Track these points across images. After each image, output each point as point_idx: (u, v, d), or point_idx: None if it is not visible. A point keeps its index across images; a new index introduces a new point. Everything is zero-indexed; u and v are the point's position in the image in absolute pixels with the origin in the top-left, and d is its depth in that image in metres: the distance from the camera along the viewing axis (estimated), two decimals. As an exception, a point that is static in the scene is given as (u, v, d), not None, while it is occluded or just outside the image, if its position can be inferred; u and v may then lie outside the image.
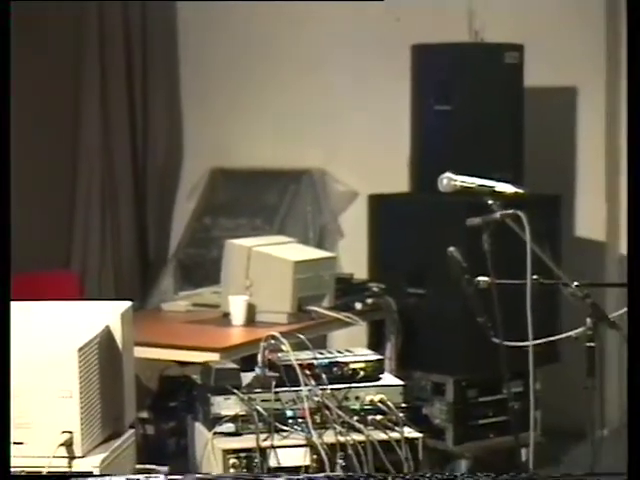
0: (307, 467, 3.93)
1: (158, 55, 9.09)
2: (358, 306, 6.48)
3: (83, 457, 3.67)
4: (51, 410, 3.66)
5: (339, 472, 3.92)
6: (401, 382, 4.22)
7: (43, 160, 8.28)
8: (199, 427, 4.16)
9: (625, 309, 5.03)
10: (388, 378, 4.25)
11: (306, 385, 4.05)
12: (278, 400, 4.04)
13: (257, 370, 4.13)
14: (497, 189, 5.13)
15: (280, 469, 3.94)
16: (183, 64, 9.21)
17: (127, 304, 4.10)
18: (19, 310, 4.02)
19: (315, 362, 4.14)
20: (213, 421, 4.02)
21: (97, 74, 8.61)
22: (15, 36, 7.86)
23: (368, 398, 4.11)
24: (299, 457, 3.94)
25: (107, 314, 3.98)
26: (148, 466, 4.08)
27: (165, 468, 4.11)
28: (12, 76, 7.85)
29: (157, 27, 9.07)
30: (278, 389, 4.06)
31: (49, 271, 7.82)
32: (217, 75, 9.00)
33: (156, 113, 9.05)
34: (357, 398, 4.10)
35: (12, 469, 3.63)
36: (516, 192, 5.20)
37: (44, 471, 3.64)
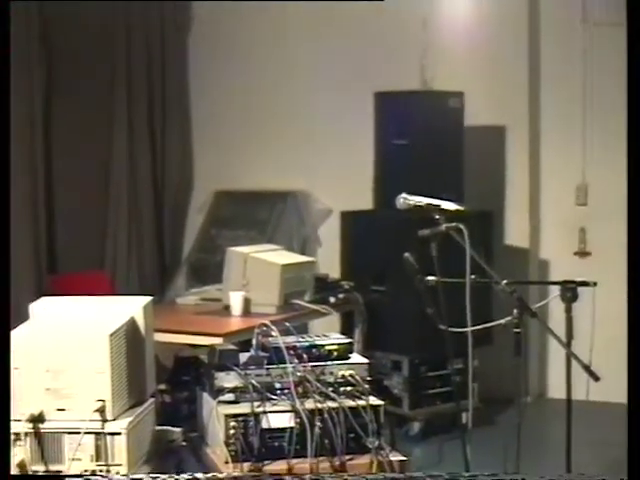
0: (292, 428, 3.93)
1: (174, 99, 9.08)
2: (332, 300, 6.49)
3: (114, 420, 3.68)
4: (88, 383, 3.67)
5: (317, 432, 3.91)
6: (366, 360, 4.23)
7: (83, 182, 8.27)
8: (206, 397, 4.17)
9: (544, 301, 5.07)
10: (356, 357, 4.26)
11: (291, 363, 4.05)
12: (268, 375, 4.05)
13: (252, 351, 4.13)
14: (442, 207, 5.16)
15: (270, 430, 3.93)
16: (194, 107, 9.20)
17: (148, 299, 4.12)
18: (63, 303, 4.04)
19: (298, 344, 4.15)
20: (217, 392, 4.03)
21: (125, 110, 8.61)
22: (60, 73, 7.92)
23: (340, 373, 4.12)
24: (285, 420, 3.95)
25: (132, 307, 4.00)
26: (165, 428, 4.09)
27: (179, 429, 4.13)
28: (58, 109, 7.88)
29: (172, 78, 9.06)
30: (269, 366, 4.06)
31: (87, 272, 7.81)
32: (221, 115, 9.00)
33: (172, 146, 9.05)
34: (331, 373, 4.11)
35: (56, 431, 3.64)
36: (457, 209, 5.24)
37: (82, 431, 3.64)
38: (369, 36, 8.24)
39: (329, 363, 4.16)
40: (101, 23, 8.33)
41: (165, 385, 4.33)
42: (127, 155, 8.60)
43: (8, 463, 3.06)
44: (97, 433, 3.65)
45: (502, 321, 5.08)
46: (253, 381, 4.02)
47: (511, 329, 5.00)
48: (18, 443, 3.64)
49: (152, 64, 8.80)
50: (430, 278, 5.37)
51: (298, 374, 4.04)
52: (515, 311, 4.99)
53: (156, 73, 8.86)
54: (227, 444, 3.89)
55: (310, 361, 4.11)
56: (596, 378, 5.02)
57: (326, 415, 3.96)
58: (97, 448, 3.65)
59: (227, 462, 3.88)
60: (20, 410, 3.68)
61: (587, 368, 5.06)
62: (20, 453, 3.64)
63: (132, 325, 3.91)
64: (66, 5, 7.84)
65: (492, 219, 7.70)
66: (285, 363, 4.06)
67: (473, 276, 5.04)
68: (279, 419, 3.96)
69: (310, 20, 8.58)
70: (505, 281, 5.11)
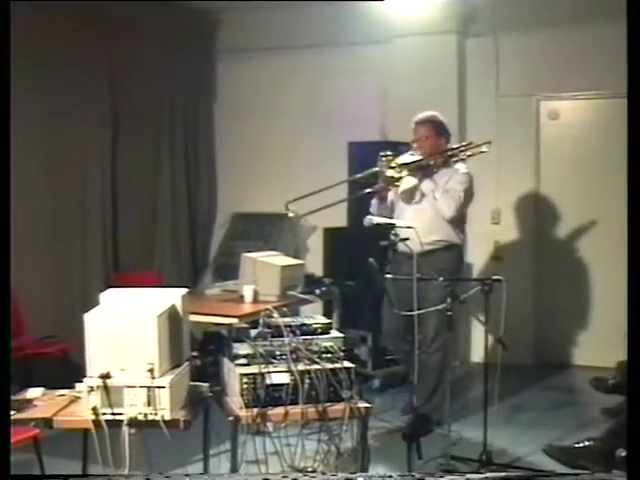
0: (288, 384, 3.92)
1: (203, 147, 9.09)
2: (317, 292, 6.47)
3: (160, 377, 3.66)
4: (141, 351, 3.64)
5: (306, 387, 3.90)
6: (341, 335, 4.22)
7: (138, 202, 8.26)
8: (226, 361, 4.15)
9: (469, 293, 5.09)
10: (334, 333, 4.24)
11: (287, 337, 4.04)
12: (271, 345, 4.02)
13: (259, 328, 4.11)
14: (396, 224, 5.19)
15: (272, 385, 3.91)
16: (218, 153, 9.22)
17: (185, 290, 4.09)
18: (124, 292, 4.02)
19: (292, 323, 4.13)
20: (234, 357, 4.01)
21: (168, 150, 8.60)
22: (123, 116, 7.90)
23: (323, 344, 4.10)
24: (283, 378, 3.92)
25: (173, 296, 3.98)
26: (197, 383, 4.08)
27: (206, 384, 4.11)
28: (121, 146, 7.86)
29: (202, 132, 9.07)
30: (271, 339, 4.05)
31: (141, 271, 7.80)
32: (236, 158, 9.02)
33: (202, 181, 9.06)
34: (317, 344, 4.09)
35: (119, 384, 3.63)
36: (408, 226, 5.26)
37: (137, 385, 3.63)
38: (344, 99, 8.25)
39: (315, 337, 4.14)
40: (153, 86, 8.33)
41: (197, 352, 4.29)
42: (170, 187, 8.60)
43: (8, 463, 2.75)
44: (148, 387, 3.63)
45: (439, 307, 5.11)
46: (260, 349, 4.00)
47: (445, 312, 5.03)
48: (92, 394, 3.63)
49: (187, 121, 8.81)
50: (387, 276, 5.40)
51: (292, 345, 4.03)
52: (448, 299, 5.02)
53: (191, 128, 8.87)
54: (242, 395, 3.87)
55: (301, 335, 4.10)
56: (505, 347, 5.05)
57: (313, 374, 3.94)
58: (148, 397, 3.63)
59: (241, 408, 3.87)
60: (93, 370, 3.66)
61: (499, 340, 5.08)
62: (93, 401, 3.63)
63: (173, 309, 3.90)
64: (130, 67, 7.88)
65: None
66: (283, 337, 4.05)
67: (419, 274, 5.06)
68: (279, 377, 3.94)
69: (300, 82, 8.63)
70: (441, 278, 5.14)
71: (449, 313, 5.03)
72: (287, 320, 4.16)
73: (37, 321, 6.87)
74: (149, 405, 3.64)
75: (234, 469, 3.92)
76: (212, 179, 9.20)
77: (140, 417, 3.63)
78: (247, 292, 6.02)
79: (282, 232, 8.46)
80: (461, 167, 5.97)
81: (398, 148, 7.44)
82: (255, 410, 3.85)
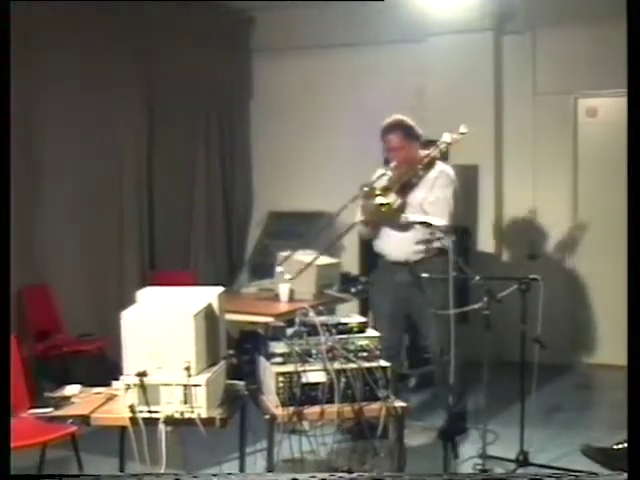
0: (324, 382, 3.91)
1: (239, 146, 9.11)
2: (352, 290, 6.47)
3: (196, 375, 3.67)
4: (178, 349, 3.66)
5: (342, 386, 3.89)
6: (377, 334, 4.21)
7: (174, 203, 8.29)
8: (262, 359, 4.15)
9: (506, 292, 5.05)
10: (370, 332, 4.23)
11: (323, 336, 4.03)
12: (307, 344, 4.02)
13: (295, 327, 4.12)
14: (432, 223, 5.17)
15: (308, 384, 3.91)
16: (254, 151, 9.23)
17: (221, 289, 4.11)
18: (160, 291, 4.04)
19: (328, 322, 4.13)
20: (270, 356, 4.01)
21: (203, 148, 8.63)
22: (160, 116, 7.93)
23: (358, 343, 4.09)
24: (319, 377, 3.92)
25: (210, 295, 3.99)
26: (233, 382, 4.09)
27: (242, 383, 4.12)
28: (157, 145, 7.90)
29: (239, 130, 9.09)
30: (307, 338, 4.05)
31: (178, 270, 7.84)
32: (272, 157, 9.03)
33: (237, 180, 9.08)
34: (352, 343, 4.08)
35: (155, 383, 3.64)
36: (444, 225, 5.24)
37: (174, 383, 3.65)
38: (379, 98, 8.22)
39: (351, 336, 4.14)
40: (189, 84, 8.35)
41: (233, 351, 4.31)
42: (205, 185, 8.63)
43: (8, 463, 2.71)
44: (185, 385, 3.64)
45: (475, 306, 5.08)
46: (296, 348, 4.00)
47: (482, 311, 5.00)
48: (129, 391, 3.65)
49: (223, 119, 8.84)
50: (424, 275, 5.39)
51: (328, 344, 4.02)
52: (485, 299, 4.99)
53: (226, 126, 8.89)
54: (277, 393, 3.88)
55: (337, 334, 4.09)
56: (543, 346, 5.01)
57: (348, 373, 3.94)
58: (185, 395, 3.64)
59: (277, 406, 3.87)
60: (130, 368, 3.69)
61: (536, 339, 5.04)
62: (130, 399, 3.65)
63: (209, 308, 3.91)
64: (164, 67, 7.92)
65: (469, 232, 7.69)
66: (319, 336, 4.04)
67: (455, 273, 5.04)
68: (315, 376, 3.93)
69: (334, 81, 8.63)
70: (478, 277, 5.12)
71: (486, 312, 5.00)
72: (323, 319, 4.16)
73: (74, 319, 6.93)
74: (185, 403, 3.66)
75: (270, 468, 3.93)
76: (248, 177, 9.22)
77: (176, 415, 3.65)
78: (283, 291, 6.04)
79: (318, 230, 8.45)
80: (441, 167, 5.69)
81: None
82: (291, 409, 3.85)
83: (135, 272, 7.67)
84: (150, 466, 3.57)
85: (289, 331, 4.12)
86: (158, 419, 3.63)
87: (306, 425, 4.43)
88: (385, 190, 5.44)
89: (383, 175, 5.56)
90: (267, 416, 3.89)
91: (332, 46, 8.50)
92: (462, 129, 5.47)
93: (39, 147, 6.89)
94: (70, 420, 3.94)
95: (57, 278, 6.94)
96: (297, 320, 4.14)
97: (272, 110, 8.93)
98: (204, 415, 3.66)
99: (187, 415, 3.65)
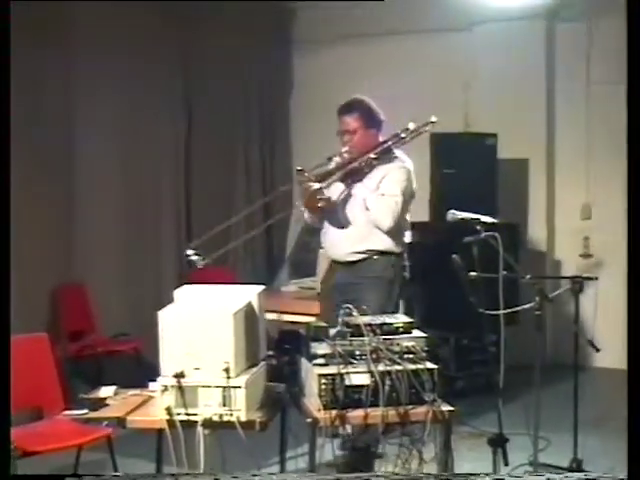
0: (368, 385, 3.90)
1: (279, 143, 9.15)
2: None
3: (236, 377, 3.68)
4: (217, 349, 3.67)
5: (387, 388, 3.88)
6: (424, 335, 4.18)
7: (212, 201, 8.33)
8: (304, 360, 4.14)
9: (558, 291, 5.02)
10: (416, 332, 4.21)
11: (367, 336, 4.02)
12: (351, 345, 4.01)
13: (338, 327, 4.10)
14: (481, 220, 5.12)
15: (351, 386, 3.90)
16: (294, 148, 9.24)
17: (261, 287, 4.12)
18: (199, 290, 4.05)
19: (373, 322, 4.11)
20: (312, 357, 4.00)
21: (243, 142, 8.66)
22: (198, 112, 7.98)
23: (404, 344, 4.07)
24: (363, 379, 3.90)
25: (249, 293, 4.00)
26: (273, 384, 4.09)
27: (283, 385, 4.12)
28: (195, 144, 7.96)
29: (278, 127, 9.13)
30: (351, 339, 4.03)
31: (215, 268, 7.83)
32: (312, 154, 8.99)
33: (277, 176, 9.09)
34: (398, 344, 4.06)
35: (193, 384, 3.66)
36: (493, 221, 5.19)
37: (212, 385, 3.66)
38: (425, 91, 8.21)
39: (396, 337, 4.12)
40: (229, 77, 8.38)
41: (273, 352, 4.31)
42: (244, 180, 8.67)
43: (8, 463, 2.73)
44: (223, 386, 3.65)
45: (527, 306, 5.04)
46: (339, 349, 3.99)
47: (533, 312, 4.96)
48: (166, 393, 3.67)
49: (263, 113, 8.87)
50: (472, 274, 5.35)
51: (373, 344, 4.01)
52: (536, 299, 4.95)
53: (267, 120, 8.93)
54: (320, 396, 3.87)
55: (382, 335, 4.08)
56: (597, 349, 4.97)
57: (393, 376, 3.92)
58: (223, 397, 3.65)
59: (319, 410, 3.86)
60: (167, 369, 3.70)
61: (590, 342, 5.00)
62: (167, 401, 3.67)
63: (249, 307, 3.92)
64: (203, 60, 7.94)
65: (519, 229, 7.65)
66: (363, 336, 4.03)
67: (505, 272, 5.00)
68: (358, 378, 3.92)
69: (378, 72, 8.60)
70: (529, 276, 5.08)
71: (537, 313, 4.96)
72: (367, 319, 4.14)
73: (109, 318, 6.99)
74: (224, 405, 3.67)
75: (311, 472, 3.92)
76: (288, 172, 9.22)
77: (215, 418, 3.66)
78: (325, 289, 6.02)
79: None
80: (400, 161, 5.35)
81: (480, 140, 7.45)
82: (334, 412, 3.85)
83: (172, 270, 7.72)
84: (188, 470, 3.58)
85: (332, 331, 4.11)
86: (196, 422, 3.64)
87: (349, 429, 4.42)
88: (326, 176, 5.09)
89: (330, 159, 5.18)
90: (309, 419, 3.88)
91: (377, 35, 8.48)
92: (432, 118, 5.22)
93: (80, 142, 6.97)
94: (105, 422, 3.97)
95: (93, 277, 7.00)
96: (340, 320, 4.13)
97: (314, 102, 8.91)
98: (243, 418, 3.66)
99: (226, 418, 3.66)
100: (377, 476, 2.16)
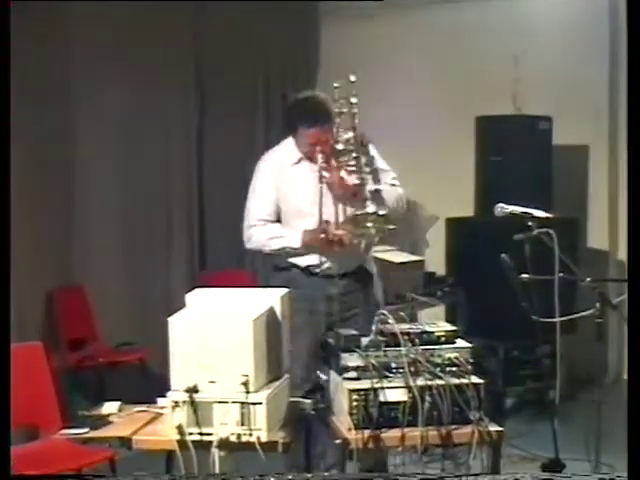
0: (405, 402, 3.91)
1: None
2: (438, 293, 6.46)
3: (255, 392, 3.69)
4: (235, 360, 3.68)
5: (427, 406, 3.89)
6: (469, 345, 4.19)
7: (224, 201, 8.33)
8: (333, 374, 4.16)
9: (623, 296, 5.00)
10: (461, 342, 4.21)
11: (405, 346, 4.03)
12: (386, 356, 4.02)
13: (371, 336, 4.11)
14: (534, 214, 5.11)
15: (386, 403, 3.91)
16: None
17: (284, 291, 4.12)
18: (213, 294, 4.07)
19: (411, 331, 4.12)
20: (342, 370, 4.01)
21: (262, 131, 8.67)
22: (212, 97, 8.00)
23: (447, 356, 4.07)
24: (400, 395, 3.91)
25: (271, 297, 4.01)
26: (298, 399, 4.11)
27: (309, 400, 4.14)
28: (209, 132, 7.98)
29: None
30: (386, 349, 4.05)
31: (230, 270, 7.88)
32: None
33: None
34: (439, 355, 4.06)
35: (208, 400, 3.67)
36: (547, 216, 5.18)
37: (229, 401, 3.67)
38: (471, 70, 8.21)
39: (437, 347, 4.13)
40: (246, 54, 8.39)
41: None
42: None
43: (8, 464, 2.80)
44: (242, 402, 3.66)
45: (586, 312, 5.03)
46: (373, 361, 4.00)
47: (594, 319, 4.95)
48: (177, 410, 3.69)
49: (286, 94, 8.88)
50: (524, 276, 5.34)
51: (411, 356, 4.02)
52: (597, 304, 4.94)
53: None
54: (350, 414, 3.88)
55: (421, 345, 4.09)
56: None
57: (434, 391, 3.92)
58: (242, 415, 3.67)
59: (350, 429, 3.87)
60: (178, 382, 3.72)
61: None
62: (178, 419, 3.69)
63: (271, 312, 3.93)
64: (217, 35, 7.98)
65: (577, 225, 7.62)
66: (400, 346, 4.04)
67: (561, 274, 5.00)
68: (394, 394, 3.93)
69: (416, 55, 8.59)
70: (589, 278, 5.06)
71: (598, 320, 4.95)
72: (404, 327, 4.15)
73: (112, 325, 7.02)
74: (243, 424, 3.68)
75: (340, 501, 3.94)
76: (312, 162, 9.25)
77: (232, 438, 3.67)
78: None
79: (396, 224, 8.45)
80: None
81: (533, 123, 7.42)
82: (366, 432, 3.86)
83: (183, 272, 7.75)
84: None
85: (364, 341, 4.12)
86: (211, 442, 3.65)
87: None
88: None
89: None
90: (338, 440, 3.89)
91: (414, 3, 8.48)
92: (351, 77, 5.13)
93: (80, 142, 7.03)
94: (108, 443, 4.00)
95: (95, 280, 7.02)
96: (374, 328, 4.14)
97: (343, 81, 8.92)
98: (264, 438, 3.67)
99: (244, 438, 3.67)
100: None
